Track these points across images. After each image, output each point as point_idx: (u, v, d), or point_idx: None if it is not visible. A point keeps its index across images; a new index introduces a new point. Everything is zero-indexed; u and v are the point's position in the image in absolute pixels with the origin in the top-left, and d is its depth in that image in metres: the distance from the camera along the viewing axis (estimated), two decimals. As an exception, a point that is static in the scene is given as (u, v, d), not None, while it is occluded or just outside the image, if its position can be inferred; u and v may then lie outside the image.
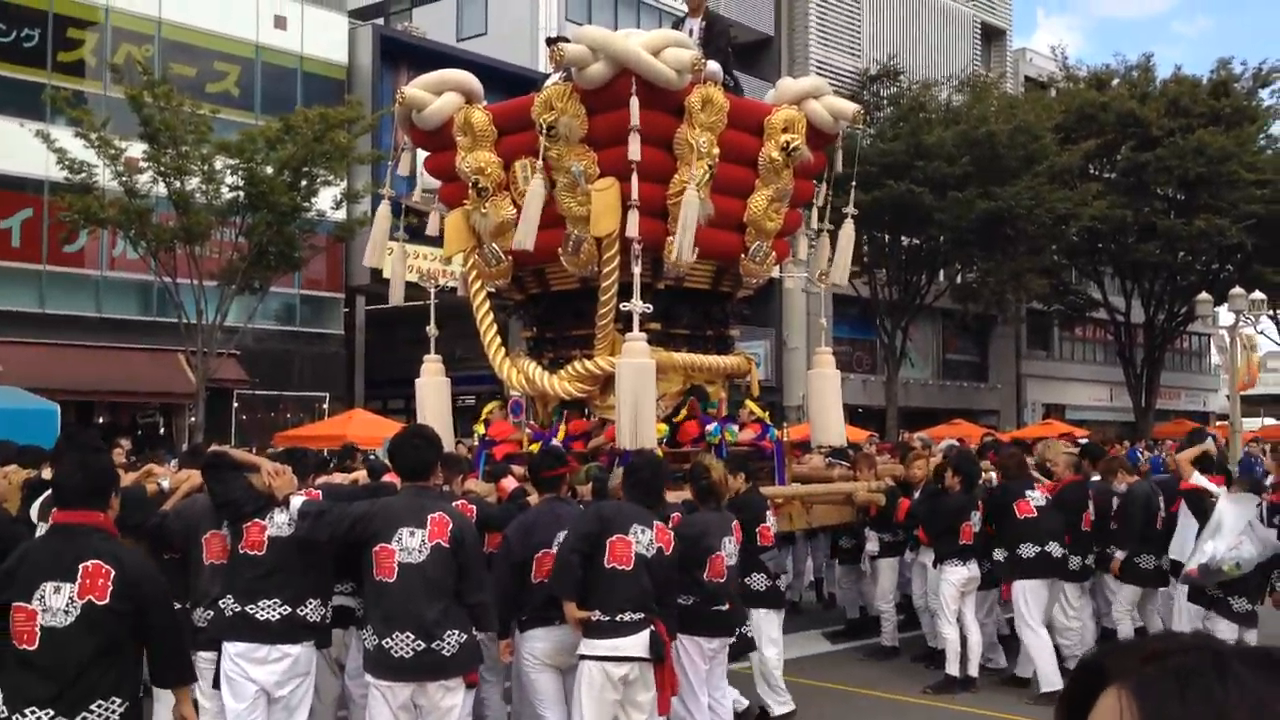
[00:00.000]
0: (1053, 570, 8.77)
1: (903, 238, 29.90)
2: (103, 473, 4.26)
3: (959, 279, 32.22)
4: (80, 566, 3.99)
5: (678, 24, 9.62)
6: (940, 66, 34.79)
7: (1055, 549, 8.71)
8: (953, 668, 8.78)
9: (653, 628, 5.54)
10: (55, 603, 3.95)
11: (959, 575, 8.73)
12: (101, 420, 24.65)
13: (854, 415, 32.15)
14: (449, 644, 5.07)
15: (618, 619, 5.49)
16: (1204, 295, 28.12)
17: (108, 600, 4.00)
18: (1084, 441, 14.46)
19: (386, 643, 5.03)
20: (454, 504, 6.26)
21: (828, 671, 9.50)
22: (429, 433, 5.57)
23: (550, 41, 9.03)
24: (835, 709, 8.39)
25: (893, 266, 30.07)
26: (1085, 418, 37.21)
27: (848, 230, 10.15)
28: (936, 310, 34.12)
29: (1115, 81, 33.39)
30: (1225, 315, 29.89)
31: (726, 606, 6.62)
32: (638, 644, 5.49)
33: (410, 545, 5.06)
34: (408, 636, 5.01)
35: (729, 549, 6.57)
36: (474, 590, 5.25)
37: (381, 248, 9.90)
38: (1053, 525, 8.72)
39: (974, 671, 8.82)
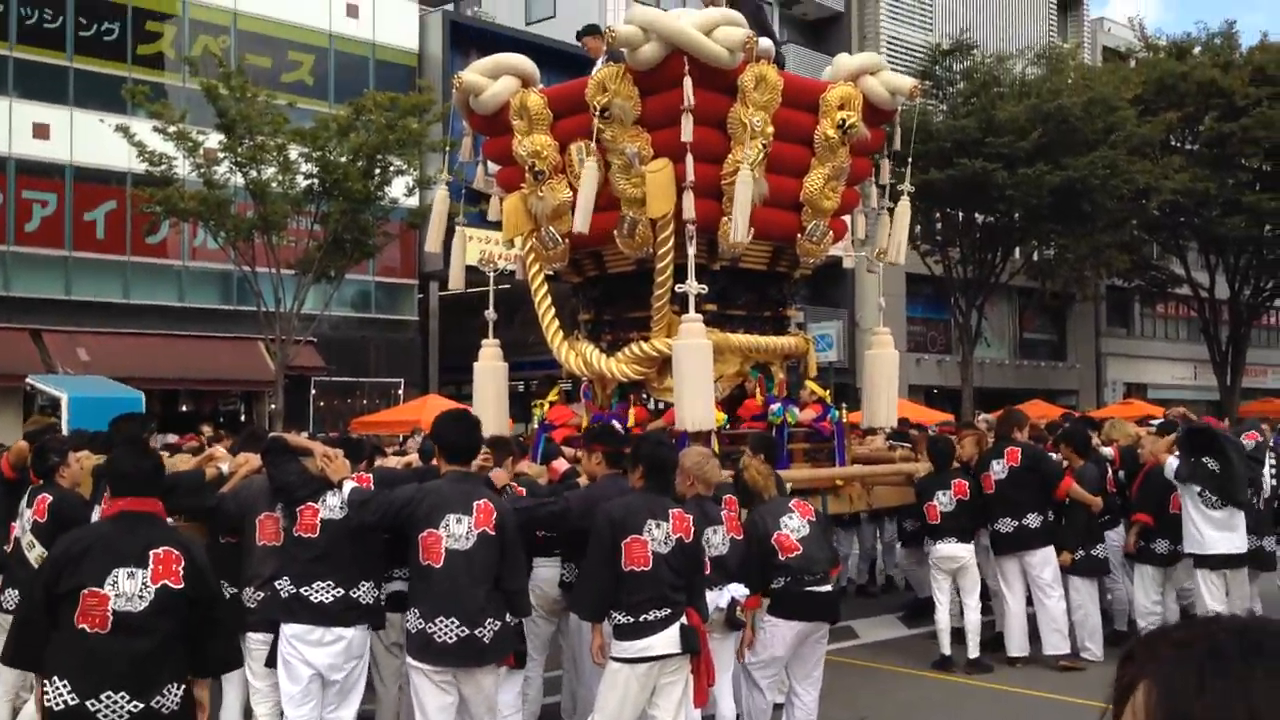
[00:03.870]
0: (1011, 546, 8.93)
1: (976, 215, 29.43)
2: (159, 463, 4.41)
3: (1035, 256, 31.64)
4: (151, 553, 4.09)
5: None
6: (1015, 39, 34.15)
7: (1005, 525, 8.88)
8: (944, 646, 8.92)
9: (682, 620, 5.42)
10: (128, 588, 4.04)
11: (933, 554, 8.98)
12: (185, 408, 25.28)
13: (929, 396, 31.90)
14: (489, 631, 5.15)
15: (642, 619, 5.36)
16: (1291, 269, 27.35)
17: (182, 585, 4.12)
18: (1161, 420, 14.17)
19: (430, 628, 5.10)
20: (511, 484, 6.38)
21: (903, 656, 9.48)
22: (473, 416, 5.63)
23: (581, 34, 9.04)
24: (908, 692, 8.37)
25: (966, 244, 29.61)
26: (1168, 397, 36.35)
27: (903, 208, 10.05)
28: (1012, 288, 33.58)
29: (1196, 50, 32.45)
30: (1314, 290, 29.04)
31: (824, 589, 6.50)
32: (667, 640, 5.39)
33: (457, 532, 5.13)
34: (452, 622, 5.08)
35: (792, 524, 6.47)
36: (514, 576, 5.33)
37: (439, 232, 9.98)
38: (1014, 499, 8.84)
39: (973, 652, 8.87)
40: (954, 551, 8.84)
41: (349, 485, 5.45)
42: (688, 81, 7.87)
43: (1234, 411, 31.02)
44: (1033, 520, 8.87)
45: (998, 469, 8.96)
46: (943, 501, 8.81)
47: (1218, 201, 30.55)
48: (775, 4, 32.76)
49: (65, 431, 12.18)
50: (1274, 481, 9.65)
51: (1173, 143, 31.44)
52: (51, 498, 6.23)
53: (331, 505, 5.51)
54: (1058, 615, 8.94)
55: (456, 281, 10.03)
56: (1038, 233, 29.85)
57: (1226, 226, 30.72)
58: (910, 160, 9.81)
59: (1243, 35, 32.92)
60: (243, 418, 25.85)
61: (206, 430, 17.11)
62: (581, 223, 8.05)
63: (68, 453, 6.60)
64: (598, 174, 8.09)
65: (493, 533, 5.18)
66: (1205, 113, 30.81)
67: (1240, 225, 30.51)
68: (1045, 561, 8.94)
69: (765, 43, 8.63)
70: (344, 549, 5.48)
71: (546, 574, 6.76)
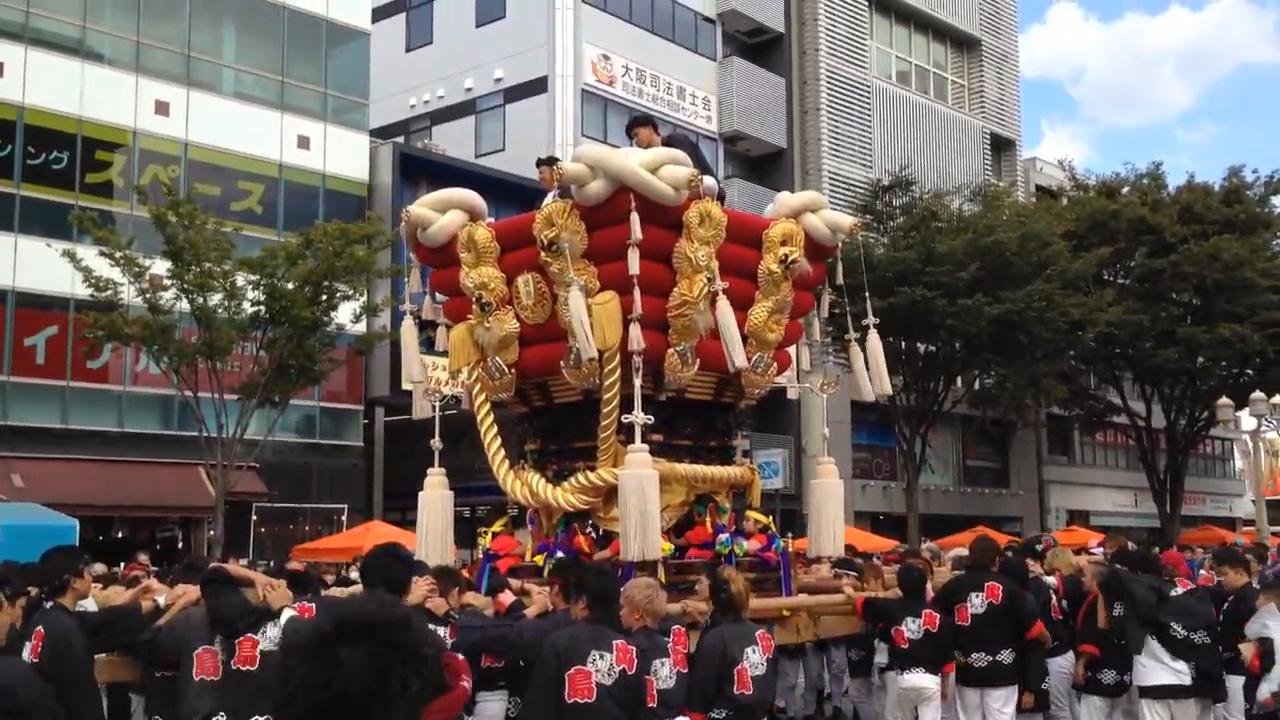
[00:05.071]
0: (980, 680, 8.81)
1: (918, 344, 30.00)
2: None
3: (976, 384, 32.22)
4: None
5: None
6: (951, 176, 35.25)
7: (979, 659, 8.75)
8: None
9: None
10: None
11: (895, 684, 8.84)
12: (120, 535, 24.72)
13: (875, 522, 31.97)
14: None
15: None
16: (1224, 400, 28.02)
17: None
18: (1101, 549, 14.31)
19: None
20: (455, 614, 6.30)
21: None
22: (401, 552, 5.54)
23: (540, 162, 9.26)
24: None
25: (909, 373, 30.10)
26: (1110, 524, 36.74)
27: (873, 340, 10.25)
28: (955, 416, 34.03)
29: (1125, 189, 33.73)
30: (1247, 420, 29.71)
31: None
32: None
33: None
34: None
35: (753, 659, 6.41)
36: None
37: (417, 362, 10.04)
38: (990, 635, 8.75)
39: None
40: (921, 682, 8.68)
41: (289, 612, 5.37)
42: (634, 217, 8.04)
43: (1175, 539, 31.38)
44: (1005, 657, 8.79)
45: (976, 602, 8.83)
46: (911, 629, 8.69)
47: (1151, 334, 31.42)
48: (719, 140, 33.68)
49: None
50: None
51: (1105, 277, 32.45)
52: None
53: (271, 637, 5.42)
54: None
55: (422, 411, 9.99)
56: (978, 362, 30.48)
57: (1160, 358, 31.55)
58: (868, 294, 10.06)
59: (1169, 175, 34.35)
60: (180, 545, 25.32)
61: (143, 558, 16.78)
62: (589, 349, 8.04)
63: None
64: (583, 299, 8.12)
65: None
66: (1136, 248, 31.91)
67: (1174, 357, 31.36)
68: (1009, 699, 8.88)
69: (709, 181, 8.87)
70: (283, 683, 5.36)
71: (493, 708, 6.63)
